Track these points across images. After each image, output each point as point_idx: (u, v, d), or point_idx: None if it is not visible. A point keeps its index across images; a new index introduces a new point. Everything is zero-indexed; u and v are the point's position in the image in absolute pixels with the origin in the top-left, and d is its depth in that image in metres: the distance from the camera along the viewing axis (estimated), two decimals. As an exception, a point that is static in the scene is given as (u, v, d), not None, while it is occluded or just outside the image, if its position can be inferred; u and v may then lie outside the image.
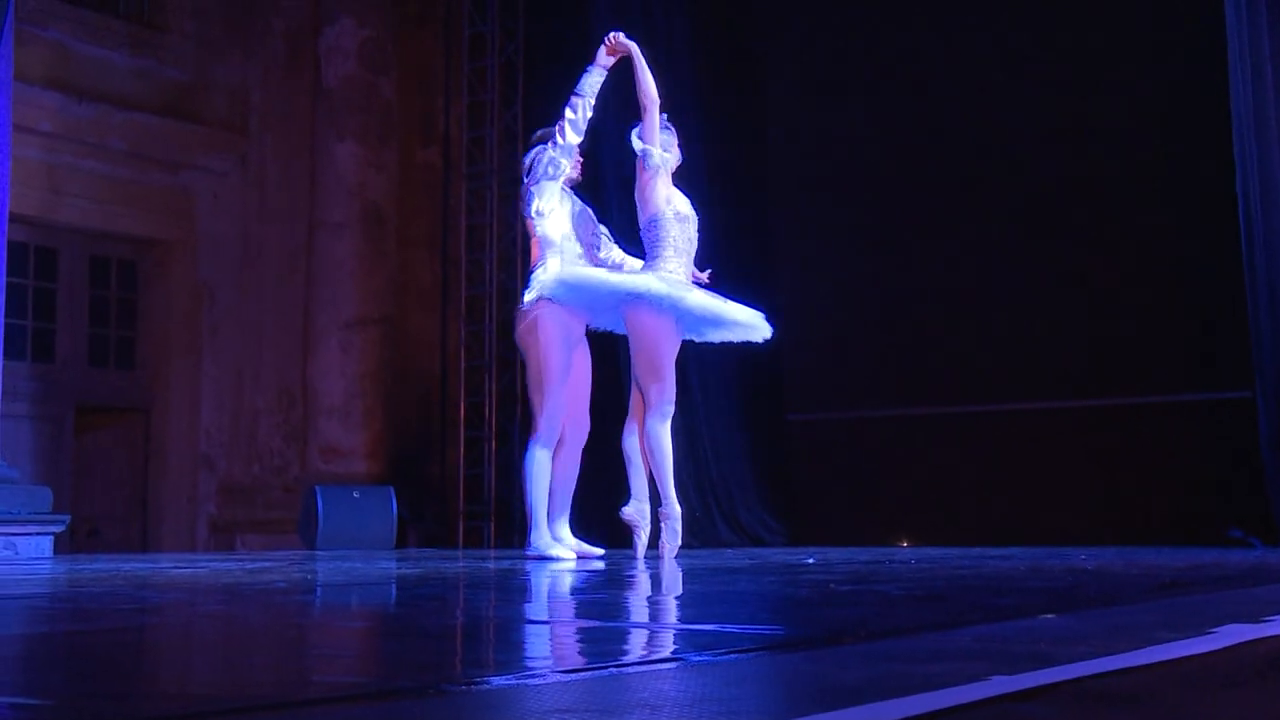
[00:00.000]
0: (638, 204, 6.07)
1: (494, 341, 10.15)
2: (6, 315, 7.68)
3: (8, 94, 7.46)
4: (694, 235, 6.06)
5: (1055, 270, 8.86)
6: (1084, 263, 8.79)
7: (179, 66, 10.82)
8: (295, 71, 11.10)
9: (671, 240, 5.94)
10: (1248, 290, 7.66)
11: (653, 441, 5.83)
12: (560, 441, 6.11)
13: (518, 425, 9.87)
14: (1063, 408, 8.83)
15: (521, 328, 6.13)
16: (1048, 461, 8.72)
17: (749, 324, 6.08)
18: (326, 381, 10.56)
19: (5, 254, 7.44)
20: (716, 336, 6.20)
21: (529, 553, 6.01)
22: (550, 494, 6.08)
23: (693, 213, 6.07)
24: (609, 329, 6.26)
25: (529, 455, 6.06)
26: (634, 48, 6.15)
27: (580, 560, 5.90)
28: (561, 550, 6.00)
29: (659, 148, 6.03)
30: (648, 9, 9.52)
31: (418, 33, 11.20)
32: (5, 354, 7.66)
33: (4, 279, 7.44)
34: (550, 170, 6.18)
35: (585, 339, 6.24)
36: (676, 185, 6.12)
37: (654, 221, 5.96)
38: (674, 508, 5.86)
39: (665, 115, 6.16)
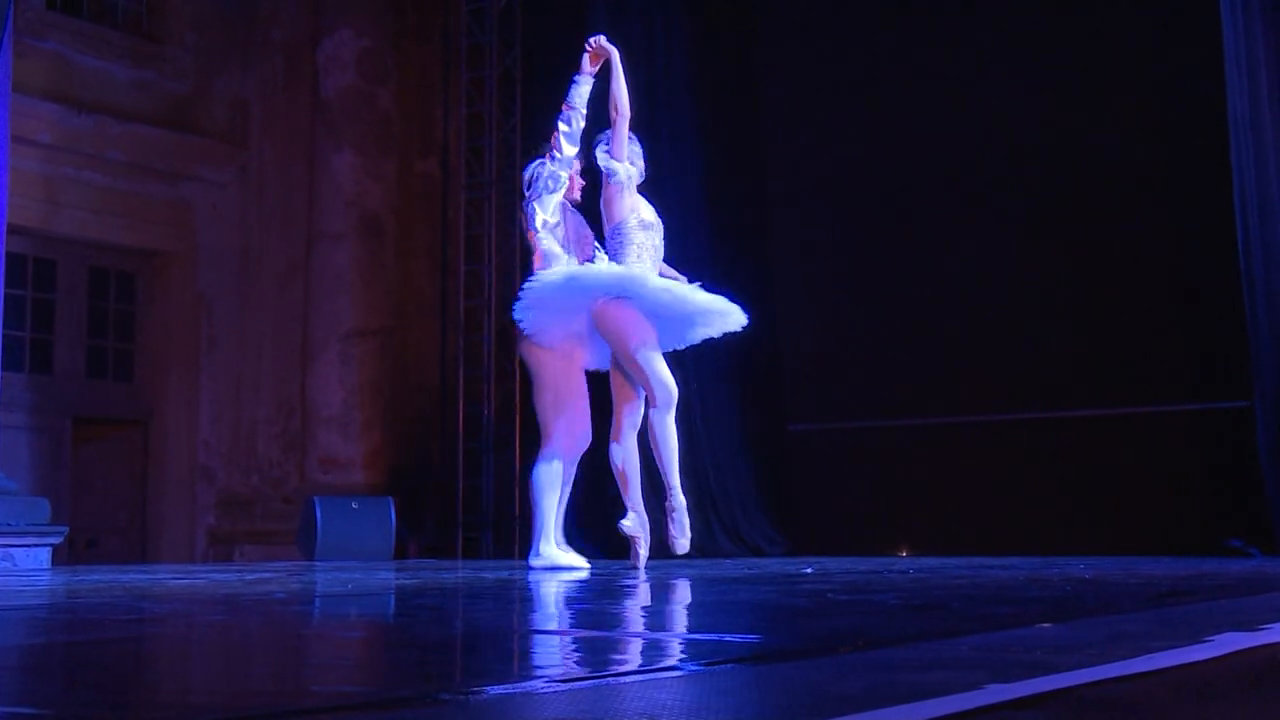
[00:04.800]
0: (602, 214, 6.07)
1: (493, 352, 10.14)
2: (5, 326, 7.67)
3: (6, 105, 7.46)
4: (659, 243, 6.05)
5: (1054, 280, 8.87)
6: (1083, 272, 8.80)
7: (178, 78, 10.83)
8: (294, 82, 11.11)
9: (637, 245, 5.94)
10: (1246, 299, 7.66)
11: (657, 434, 5.79)
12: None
13: (517, 435, 9.86)
14: (1062, 418, 8.83)
15: (523, 345, 6.11)
16: (1046, 472, 8.72)
17: (722, 311, 6.02)
18: (325, 392, 10.55)
19: (3, 265, 7.44)
20: (695, 335, 6.11)
21: (536, 563, 6.00)
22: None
23: (658, 220, 6.07)
24: (598, 367, 6.22)
25: (540, 468, 6.04)
26: (614, 53, 6.09)
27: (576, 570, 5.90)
28: (573, 558, 5.99)
29: (626, 161, 6.01)
30: (646, 18, 9.53)
31: (416, 43, 11.21)
32: (3, 365, 7.66)
33: (2, 290, 7.44)
34: (550, 184, 6.15)
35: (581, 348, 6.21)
36: (645, 196, 6.12)
37: (618, 229, 5.97)
38: (679, 499, 5.84)
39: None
